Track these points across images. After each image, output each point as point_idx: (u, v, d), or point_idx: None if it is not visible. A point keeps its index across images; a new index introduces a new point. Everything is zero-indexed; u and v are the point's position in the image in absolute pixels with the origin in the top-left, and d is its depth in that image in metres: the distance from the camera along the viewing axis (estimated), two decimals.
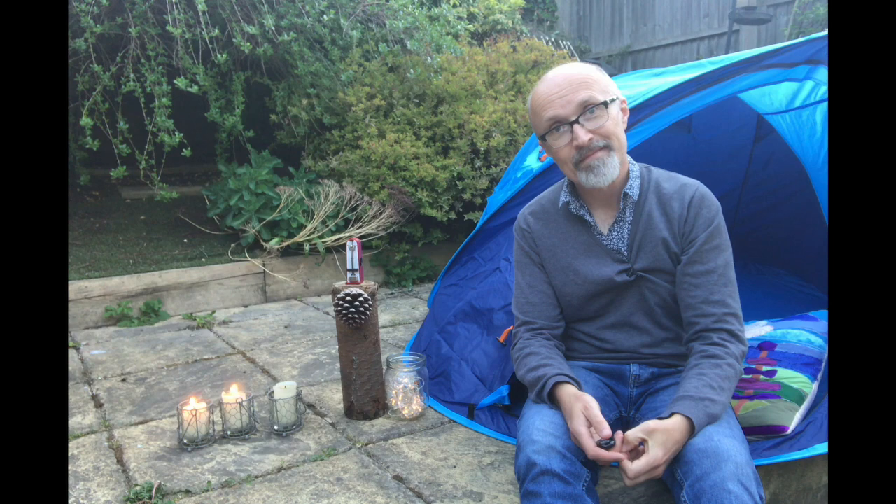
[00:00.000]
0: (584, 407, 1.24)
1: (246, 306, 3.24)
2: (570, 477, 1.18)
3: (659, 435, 1.17)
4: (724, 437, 1.18)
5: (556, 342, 1.51)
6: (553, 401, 1.34)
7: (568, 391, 1.30)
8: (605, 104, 1.34)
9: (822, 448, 1.45)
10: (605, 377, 1.48)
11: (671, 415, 1.21)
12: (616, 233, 1.45)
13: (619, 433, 1.22)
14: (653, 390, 1.45)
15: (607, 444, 1.20)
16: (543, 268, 1.53)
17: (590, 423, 1.23)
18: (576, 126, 1.34)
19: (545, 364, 1.40)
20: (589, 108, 1.33)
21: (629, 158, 1.48)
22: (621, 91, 1.47)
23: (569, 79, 1.35)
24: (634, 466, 1.16)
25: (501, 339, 1.87)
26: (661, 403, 1.37)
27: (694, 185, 1.46)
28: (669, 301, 1.45)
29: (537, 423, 1.27)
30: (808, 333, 1.95)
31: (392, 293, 3.46)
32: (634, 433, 1.19)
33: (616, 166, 1.37)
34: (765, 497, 1.16)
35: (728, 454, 1.14)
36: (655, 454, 1.16)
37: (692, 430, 1.20)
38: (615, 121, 1.37)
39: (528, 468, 1.20)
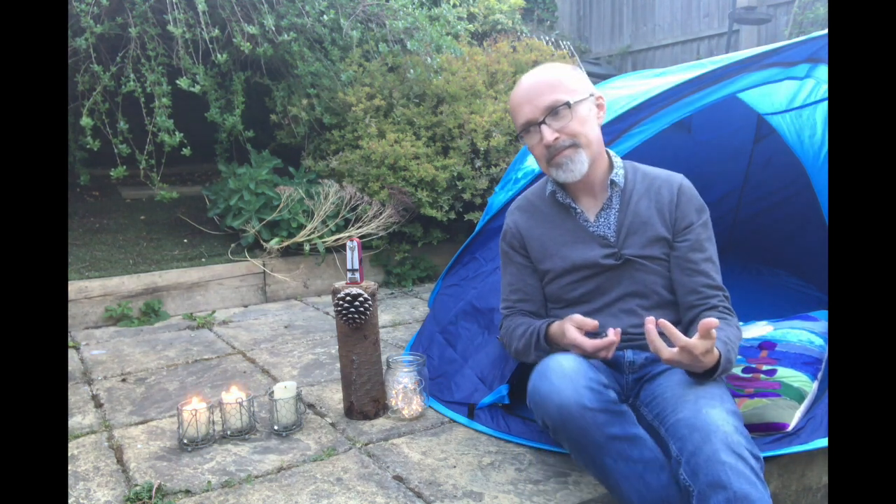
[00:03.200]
0: (570, 319, 1.41)
1: (246, 306, 3.24)
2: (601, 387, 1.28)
3: (707, 342, 1.23)
4: (711, 408, 1.21)
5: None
6: (551, 345, 1.46)
7: (556, 323, 1.47)
8: (569, 105, 1.42)
9: (822, 442, 1.45)
10: (600, 367, 1.49)
11: None
12: (603, 219, 1.52)
13: (610, 329, 1.37)
14: (649, 376, 1.47)
15: (599, 334, 1.38)
16: (527, 262, 1.60)
17: (582, 330, 1.38)
18: (543, 127, 1.44)
19: (531, 324, 1.53)
20: (554, 109, 1.43)
21: (612, 152, 1.56)
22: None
23: (537, 83, 1.46)
24: (682, 338, 1.22)
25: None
26: (659, 388, 1.39)
27: (680, 175, 1.56)
28: (658, 286, 1.50)
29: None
30: (809, 333, 1.95)
31: (392, 293, 3.46)
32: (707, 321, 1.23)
33: (584, 162, 1.45)
34: (760, 456, 1.17)
35: (715, 425, 1.17)
36: (696, 342, 1.22)
37: (716, 367, 1.29)
38: (582, 119, 1.45)
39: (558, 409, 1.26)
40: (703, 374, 1.31)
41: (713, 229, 1.55)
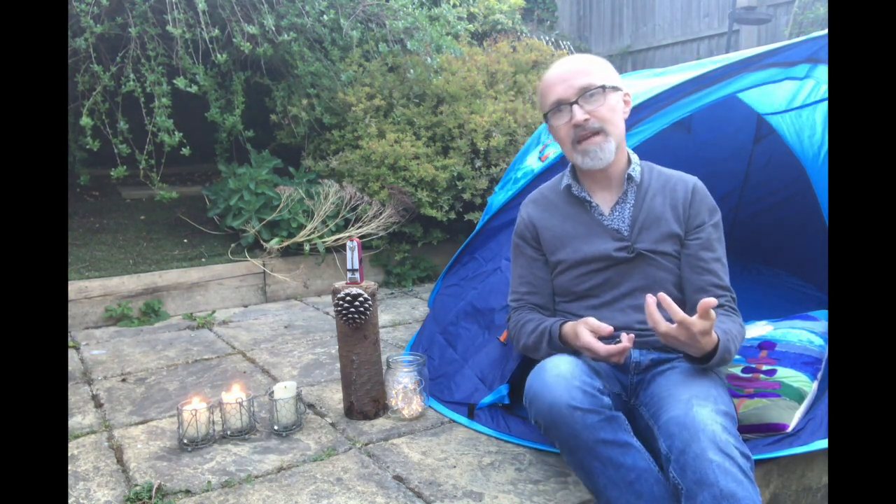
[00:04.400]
0: (584, 322, 1.39)
1: (246, 306, 3.24)
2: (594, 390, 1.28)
3: (705, 322, 1.24)
4: (701, 407, 1.21)
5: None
6: (564, 344, 1.45)
7: (569, 324, 1.45)
8: (603, 88, 1.44)
9: (822, 443, 1.45)
10: (603, 368, 1.49)
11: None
12: (617, 213, 1.53)
13: (624, 334, 1.34)
14: (650, 376, 1.47)
15: (614, 340, 1.35)
16: (537, 255, 1.60)
17: (596, 334, 1.36)
18: (574, 106, 1.45)
19: (543, 321, 1.52)
20: (588, 91, 1.44)
21: (630, 150, 1.57)
22: None
23: (573, 66, 1.48)
24: (680, 313, 1.23)
25: (502, 338, 1.88)
26: (656, 388, 1.39)
27: (694, 177, 1.57)
28: (668, 283, 1.50)
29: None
30: (809, 333, 1.95)
31: (392, 293, 3.46)
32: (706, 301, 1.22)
33: (612, 151, 1.47)
34: (750, 455, 1.18)
35: (703, 423, 1.17)
36: (695, 320, 1.23)
37: (714, 351, 1.29)
38: (612, 107, 1.46)
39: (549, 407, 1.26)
40: (701, 360, 1.32)
41: None
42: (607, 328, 1.36)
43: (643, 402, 1.43)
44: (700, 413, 1.19)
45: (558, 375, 1.27)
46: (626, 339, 1.34)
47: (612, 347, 1.33)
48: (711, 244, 1.50)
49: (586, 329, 1.38)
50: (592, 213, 1.54)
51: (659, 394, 1.36)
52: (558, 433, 1.26)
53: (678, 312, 1.22)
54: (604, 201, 1.55)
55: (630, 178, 1.52)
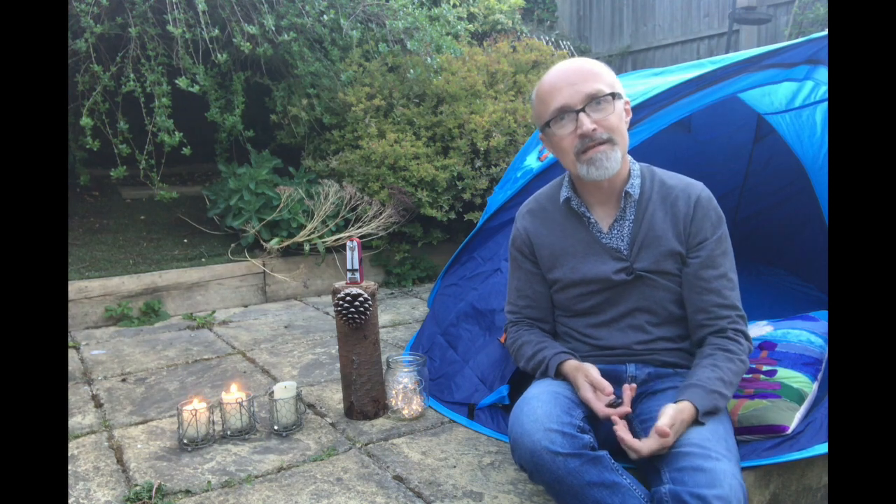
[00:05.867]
0: (585, 375, 1.36)
1: (246, 306, 3.24)
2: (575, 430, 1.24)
3: (670, 420, 1.23)
4: (722, 457, 1.17)
5: (545, 330, 1.57)
6: (560, 378, 1.43)
7: (569, 366, 1.41)
8: (612, 96, 1.35)
9: (822, 448, 1.45)
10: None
11: (680, 400, 1.28)
12: (616, 231, 1.46)
13: (626, 387, 1.33)
14: (651, 391, 1.44)
15: (614, 402, 1.32)
16: (535, 269, 1.56)
17: (595, 388, 1.33)
18: (581, 115, 1.34)
19: (541, 349, 1.48)
20: (596, 99, 1.34)
21: (630, 158, 1.50)
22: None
23: (579, 69, 1.38)
24: (646, 445, 1.21)
25: (502, 339, 1.88)
26: (657, 407, 1.35)
27: (699, 185, 1.48)
28: (669, 301, 1.46)
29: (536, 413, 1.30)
30: (809, 333, 1.95)
31: (392, 293, 3.46)
32: (660, 425, 1.22)
33: (618, 160, 1.37)
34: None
35: (724, 475, 1.13)
36: (662, 440, 1.21)
37: (696, 417, 1.25)
38: (619, 116, 1.38)
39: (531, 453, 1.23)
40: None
41: None
42: (608, 389, 1.32)
43: (638, 416, 1.40)
44: (721, 463, 1.14)
45: (535, 421, 1.23)
46: (626, 398, 1.31)
47: (610, 411, 1.29)
48: (714, 261, 1.42)
49: (587, 383, 1.34)
50: (591, 230, 1.47)
51: (654, 409, 1.32)
52: (542, 479, 1.22)
53: (644, 447, 1.21)
54: (602, 217, 1.47)
55: (628, 194, 1.44)
